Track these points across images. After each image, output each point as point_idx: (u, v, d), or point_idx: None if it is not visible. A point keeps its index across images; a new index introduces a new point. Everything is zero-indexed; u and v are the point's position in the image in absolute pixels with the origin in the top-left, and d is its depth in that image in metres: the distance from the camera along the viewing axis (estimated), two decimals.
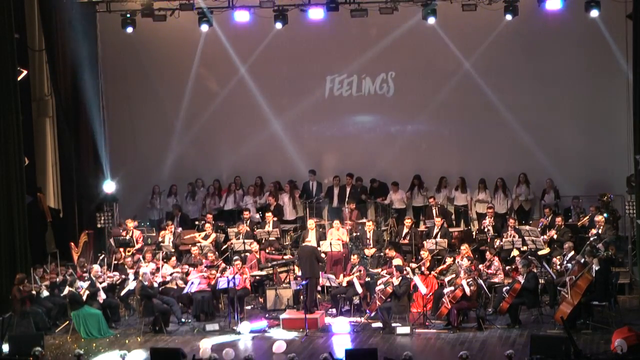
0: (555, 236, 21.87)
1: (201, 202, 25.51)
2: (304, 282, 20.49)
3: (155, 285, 20.46)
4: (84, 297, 20.23)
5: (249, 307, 21.64)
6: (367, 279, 20.86)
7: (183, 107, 26.05)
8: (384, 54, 25.38)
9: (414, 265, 20.96)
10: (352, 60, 25.69)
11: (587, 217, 22.25)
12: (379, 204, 24.80)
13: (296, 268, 21.67)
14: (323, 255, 21.87)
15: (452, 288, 19.73)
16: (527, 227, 22.29)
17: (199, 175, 25.81)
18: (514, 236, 21.86)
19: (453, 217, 24.75)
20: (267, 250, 22.92)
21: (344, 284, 20.95)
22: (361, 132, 25.94)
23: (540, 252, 21.48)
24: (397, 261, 20.85)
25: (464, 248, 21.16)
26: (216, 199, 25.43)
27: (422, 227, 24.08)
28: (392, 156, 25.55)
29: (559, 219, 22.17)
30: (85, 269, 21.48)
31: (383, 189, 25.10)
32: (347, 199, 24.61)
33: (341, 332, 19.80)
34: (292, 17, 23.64)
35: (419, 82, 25.50)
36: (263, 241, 23.14)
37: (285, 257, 22.49)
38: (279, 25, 23.68)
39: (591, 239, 21.18)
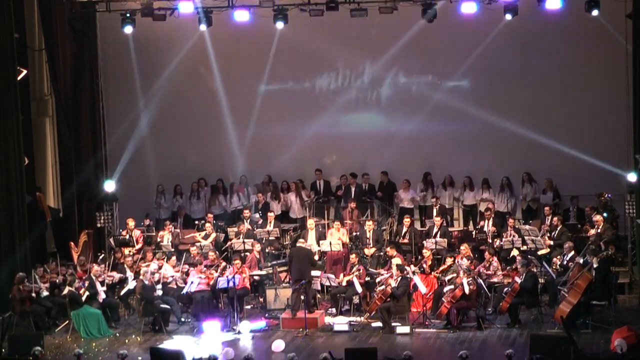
0: (552, 242, 21.83)
1: (204, 201, 25.45)
2: (303, 283, 20.43)
3: (158, 287, 20.46)
4: (83, 298, 20.25)
5: (248, 307, 21.65)
6: (367, 279, 20.86)
7: (183, 106, 26.04)
8: (385, 54, 25.39)
9: (414, 268, 20.89)
10: (355, 60, 25.71)
11: (595, 228, 22.03)
12: (383, 204, 24.72)
13: None
14: (317, 256, 21.91)
15: (452, 287, 19.72)
16: (527, 227, 22.29)
17: (201, 175, 25.77)
18: (513, 236, 21.85)
19: (461, 216, 24.71)
20: (267, 250, 22.91)
21: (344, 283, 20.95)
22: (365, 131, 25.87)
23: (540, 252, 21.49)
24: (397, 260, 20.85)
25: (464, 248, 21.17)
26: (220, 198, 25.40)
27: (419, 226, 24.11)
28: (398, 155, 25.52)
29: (555, 219, 22.17)
30: (85, 269, 21.50)
31: (392, 186, 25.06)
32: (350, 198, 24.56)
33: (341, 332, 19.79)
34: (293, 17, 23.62)
35: (420, 82, 25.52)
36: (263, 240, 23.14)
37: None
38: (279, 25, 23.66)
39: (591, 239, 21.18)
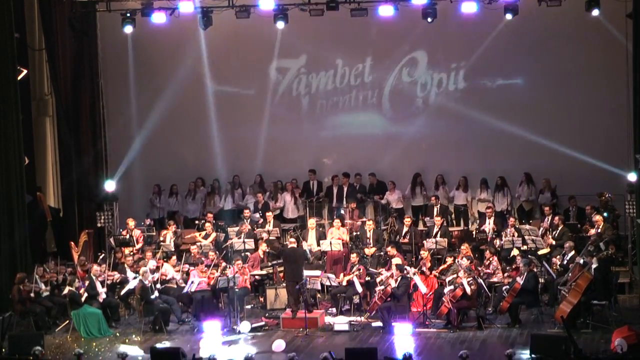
0: (554, 242, 21.81)
1: (201, 201, 25.47)
2: (302, 283, 20.43)
3: (157, 287, 20.46)
4: (83, 299, 20.25)
5: (248, 307, 21.64)
6: (367, 278, 20.85)
7: (183, 106, 26.01)
8: (384, 54, 25.41)
9: (414, 269, 20.86)
10: (352, 60, 25.73)
11: (595, 227, 22.03)
12: (378, 202, 24.80)
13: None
14: (317, 256, 21.89)
15: (452, 287, 19.72)
16: (527, 227, 22.28)
17: (200, 175, 25.77)
18: (514, 235, 21.84)
19: (453, 216, 24.74)
20: (267, 250, 22.89)
21: (344, 283, 20.95)
22: (361, 131, 25.88)
23: (540, 252, 21.49)
24: (397, 260, 20.84)
25: (464, 247, 21.17)
26: (216, 198, 25.40)
27: (421, 227, 24.07)
28: (393, 156, 25.52)
29: (557, 219, 22.18)
30: (85, 269, 21.48)
31: (382, 187, 25.09)
32: (346, 199, 24.59)
33: (341, 331, 19.79)
34: (293, 16, 23.62)
35: (420, 80, 25.52)
36: (263, 240, 23.13)
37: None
38: (279, 25, 23.65)
39: (592, 239, 21.18)
